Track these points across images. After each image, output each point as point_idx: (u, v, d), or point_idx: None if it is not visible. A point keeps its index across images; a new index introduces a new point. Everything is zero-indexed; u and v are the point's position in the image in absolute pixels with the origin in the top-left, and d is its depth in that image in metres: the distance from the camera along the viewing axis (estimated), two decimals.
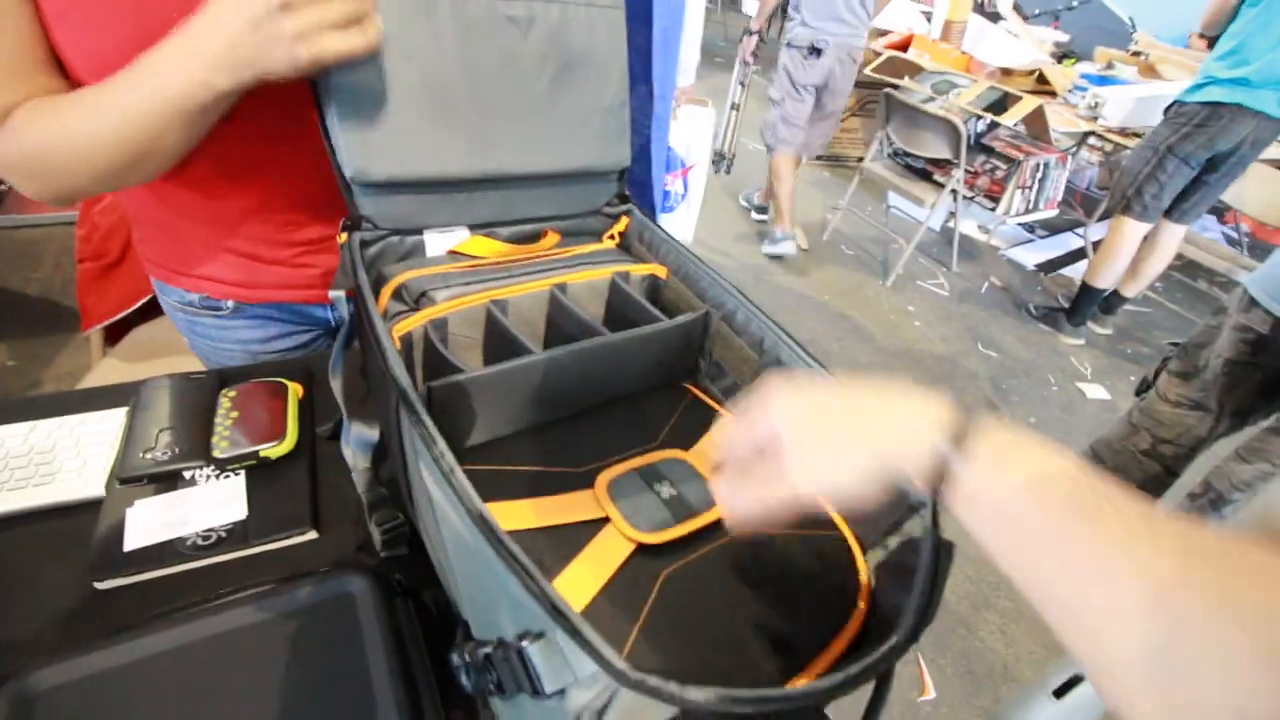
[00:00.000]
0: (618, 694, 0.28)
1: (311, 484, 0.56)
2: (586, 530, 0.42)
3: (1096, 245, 3.09)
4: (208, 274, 0.64)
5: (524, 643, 0.30)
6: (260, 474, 0.55)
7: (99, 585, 0.47)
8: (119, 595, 0.47)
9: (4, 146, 0.46)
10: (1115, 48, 3.51)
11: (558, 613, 0.28)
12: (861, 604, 0.38)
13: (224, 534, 0.50)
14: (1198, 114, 2.00)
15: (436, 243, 0.57)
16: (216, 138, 0.55)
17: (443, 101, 0.51)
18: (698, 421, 0.53)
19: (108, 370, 1.03)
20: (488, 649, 0.32)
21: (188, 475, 0.54)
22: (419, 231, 0.56)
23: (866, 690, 0.32)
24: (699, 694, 0.27)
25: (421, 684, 0.38)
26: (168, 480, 0.54)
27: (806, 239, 2.92)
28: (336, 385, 0.53)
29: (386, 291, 0.54)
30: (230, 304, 0.66)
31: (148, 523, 0.50)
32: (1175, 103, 2.08)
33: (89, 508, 0.51)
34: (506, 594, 0.31)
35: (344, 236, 0.52)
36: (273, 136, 0.57)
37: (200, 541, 0.50)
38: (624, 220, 0.63)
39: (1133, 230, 2.27)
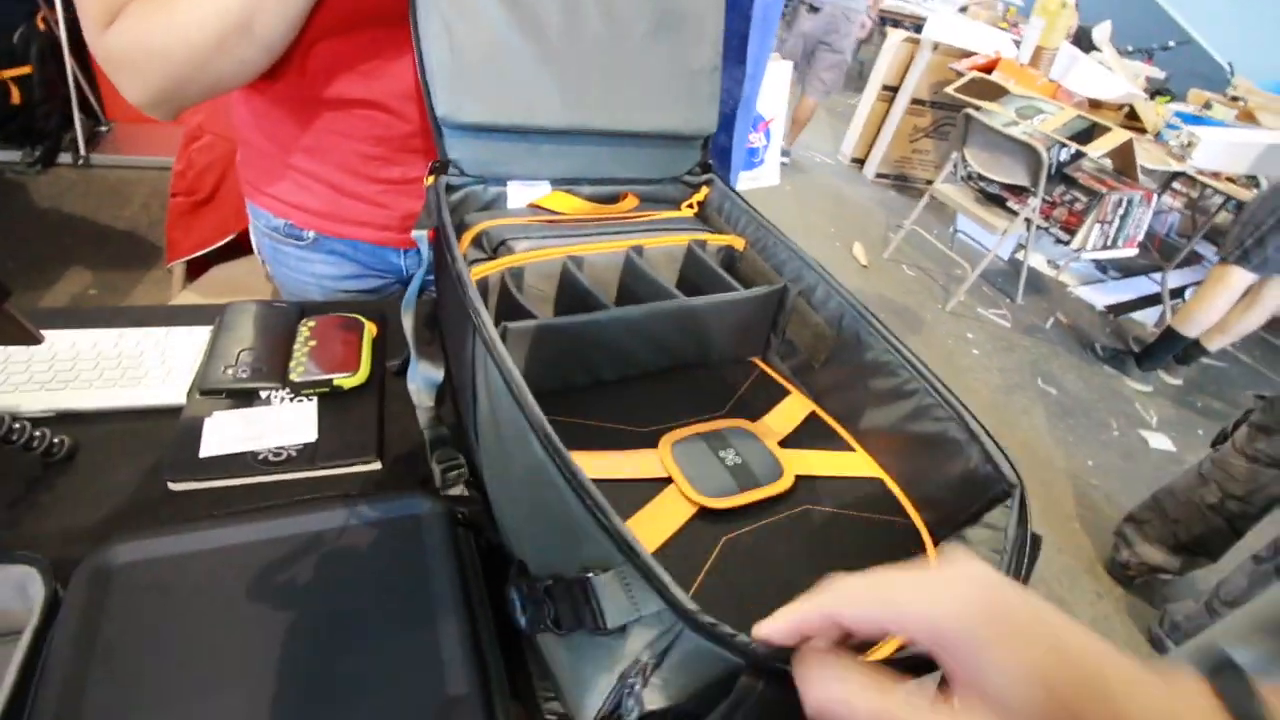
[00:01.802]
0: (681, 636, 0.28)
1: (379, 418, 0.57)
2: (648, 489, 0.41)
3: (1174, 293, 2.95)
4: (294, 200, 0.66)
5: (589, 574, 0.29)
6: (331, 402, 0.57)
7: (173, 486, 0.49)
8: (190, 498, 0.49)
9: (111, 41, 0.48)
10: (1211, 91, 3.34)
11: (629, 548, 0.28)
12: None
13: (294, 453, 0.52)
14: None
15: (519, 194, 0.57)
16: (313, 65, 0.56)
17: (538, 47, 0.51)
18: (765, 396, 0.52)
19: (186, 303, 1.07)
20: (548, 582, 0.32)
21: (263, 395, 0.56)
22: (502, 181, 0.56)
23: None
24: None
25: (479, 611, 0.38)
26: (245, 397, 0.55)
27: (867, 255, 2.86)
28: (408, 321, 0.53)
29: (467, 238, 0.54)
30: (311, 235, 0.68)
31: (224, 433, 0.52)
32: None
33: (169, 414, 0.53)
34: (574, 529, 0.30)
35: (431, 179, 0.53)
36: (367, 72, 0.58)
37: (271, 457, 0.51)
38: (704, 190, 0.63)
39: (1239, 280, 2.14)
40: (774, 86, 2.33)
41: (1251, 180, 2.49)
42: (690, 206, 0.63)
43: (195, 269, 1.12)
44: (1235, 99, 3.20)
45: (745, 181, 2.24)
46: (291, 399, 0.56)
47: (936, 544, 0.42)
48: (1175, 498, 1.49)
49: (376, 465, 0.54)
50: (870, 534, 0.42)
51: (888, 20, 4.65)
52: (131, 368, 0.56)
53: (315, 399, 0.57)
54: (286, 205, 0.67)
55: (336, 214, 0.66)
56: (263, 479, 0.50)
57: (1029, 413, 2.15)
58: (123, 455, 0.51)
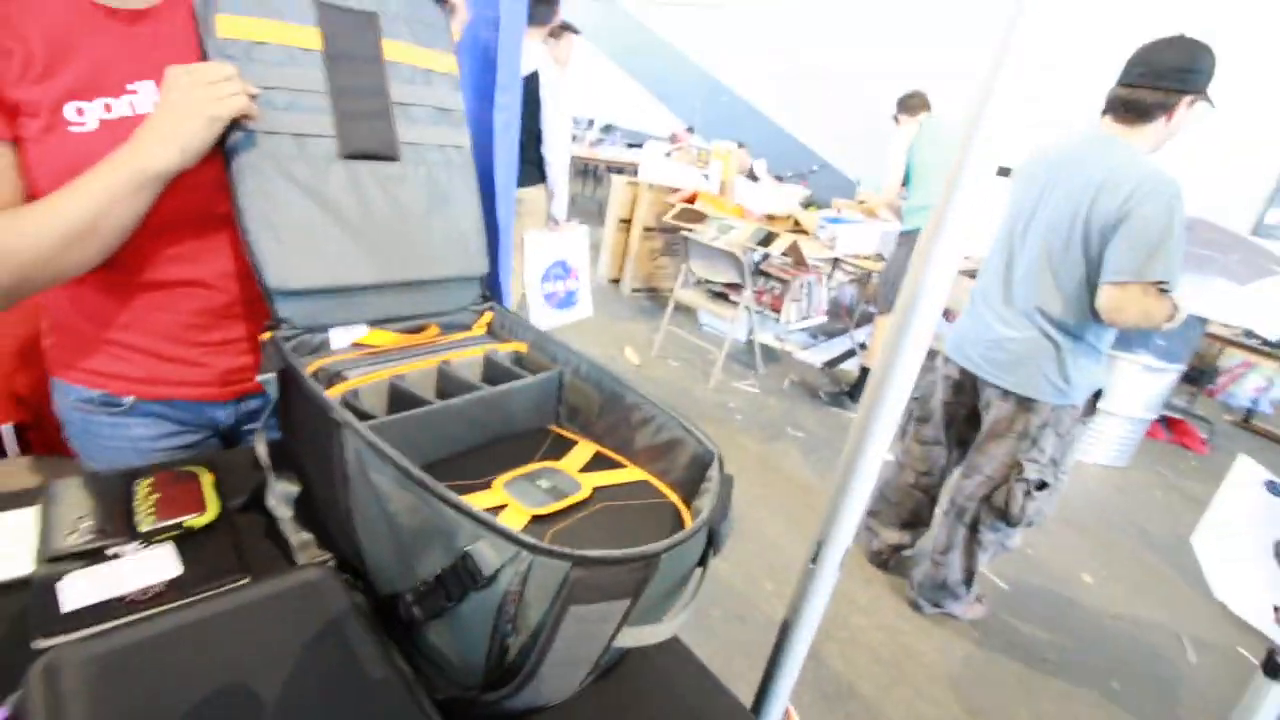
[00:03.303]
0: (534, 565, 0.44)
1: (237, 545, 0.64)
2: (491, 514, 0.57)
3: (861, 345, 3.86)
4: (111, 371, 0.72)
5: (466, 547, 0.45)
6: (186, 542, 0.62)
7: (37, 645, 0.51)
8: None
9: None
10: (844, 198, 4.61)
11: (490, 523, 0.45)
12: (688, 523, 0.58)
13: (162, 589, 0.57)
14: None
15: (341, 337, 0.72)
16: (141, 256, 0.67)
17: (342, 229, 0.69)
18: (562, 447, 0.71)
19: None
20: (437, 572, 0.47)
21: (112, 551, 0.60)
22: (326, 329, 0.71)
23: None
24: (589, 552, 0.44)
25: (382, 638, 0.49)
26: (93, 557, 0.59)
27: (638, 355, 3.29)
28: (262, 449, 0.64)
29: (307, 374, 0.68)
30: (128, 400, 0.74)
31: (82, 587, 0.55)
32: (903, 232, 2.86)
33: (15, 588, 0.55)
34: (448, 534, 0.46)
35: (268, 334, 0.66)
36: (190, 256, 0.70)
37: (139, 597, 0.56)
38: (489, 314, 0.84)
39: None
40: (578, 246, 2.82)
41: (879, 257, 3.48)
42: (480, 327, 0.84)
43: None
44: (861, 202, 4.44)
45: (565, 317, 2.60)
46: (144, 547, 0.61)
47: (689, 508, 0.64)
48: (891, 486, 1.97)
49: (247, 581, 0.61)
50: (646, 512, 0.62)
51: (612, 169, 5.60)
52: None
53: (169, 542, 0.62)
54: (104, 377, 0.72)
55: (156, 378, 0.73)
56: (136, 618, 0.55)
57: (789, 454, 2.64)
58: None
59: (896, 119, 3.12)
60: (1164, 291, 1.38)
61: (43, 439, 1.10)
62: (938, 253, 0.62)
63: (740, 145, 4.64)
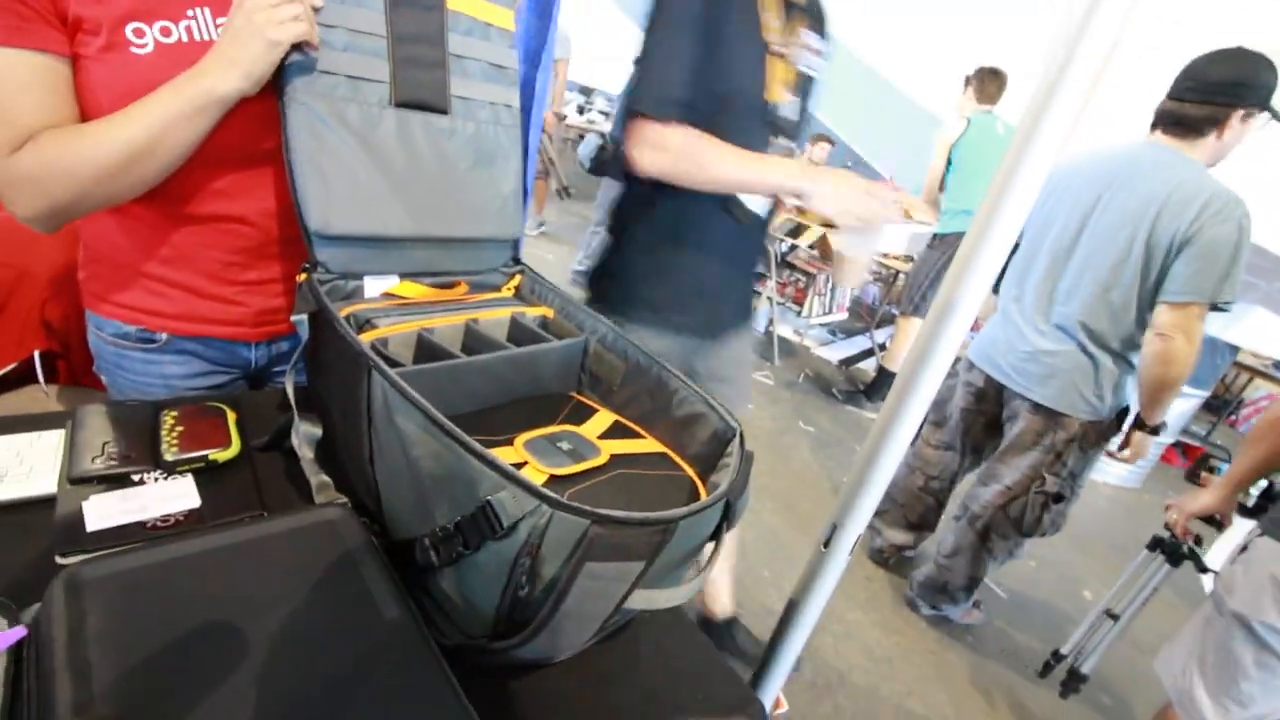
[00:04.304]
0: (552, 520, 0.44)
1: (256, 482, 0.65)
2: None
3: (881, 345, 3.82)
4: (148, 306, 0.73)
5: (488, 497, 0.45)
6: (207, 475, 0.63)
7: (62, 560, 0.52)
8: None
9: (17, 162, 0.56)
10: None
11: (514, 475, 0.45)
12: (704, 497, 0.58)
13: (181, 518, 0.58)
14: (956, 241, 2.73)
15: (374, 286, 0.72)
16: (189, 188, 0.67)
17: (387, 180, 0.69)
18: (583, 414, 0.71)
19: None
20: (456, 519, 0.47)
21: (136, 478, 0.61)
22: (360, 277, 0.71)
23: None
24: (610, 511, 0.44)
25: (394, 576, 0.50)
26: (117, 482, 0.60)
27: None
28: (290, 385, 0.65)
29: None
30: (163, 337, 0.74)
31: (106, 510, 0.56)
32: (937, 235, 2.81)
33: (40, 505, 0.56)
34: (471, 483, 0.46)
35: (304, 276, 0.66)
36: (234, 193, 0.70)
37: (159, 524, 0.57)
38: (518, 277, 0.83)
39: (916, 326, 2.92)
40: None
41: (909, 258, 3.43)
42: (509, 290, 0.83)
43: None
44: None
45: None
46: (166, 478, 0.62)
47: (704, 483, 0.63)
48: (899, 487, 1.96)
49: (263, 516, 0.62)
50: (662, 481, 0.62)
51: None
52: None
53: (190, 474, 0.63)
54: (140, 312, 0.73)
55: (192, 315, 0.74)
56: (157, 541, 0.56)
57: (797, 447, 2.63)
58: (2, 543, 0.53)
59: (967, 83, 2.81)
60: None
61: (69, 369, 1.12)
62: (980, 261, 0.60)
63: (830, 141, 4.60)
